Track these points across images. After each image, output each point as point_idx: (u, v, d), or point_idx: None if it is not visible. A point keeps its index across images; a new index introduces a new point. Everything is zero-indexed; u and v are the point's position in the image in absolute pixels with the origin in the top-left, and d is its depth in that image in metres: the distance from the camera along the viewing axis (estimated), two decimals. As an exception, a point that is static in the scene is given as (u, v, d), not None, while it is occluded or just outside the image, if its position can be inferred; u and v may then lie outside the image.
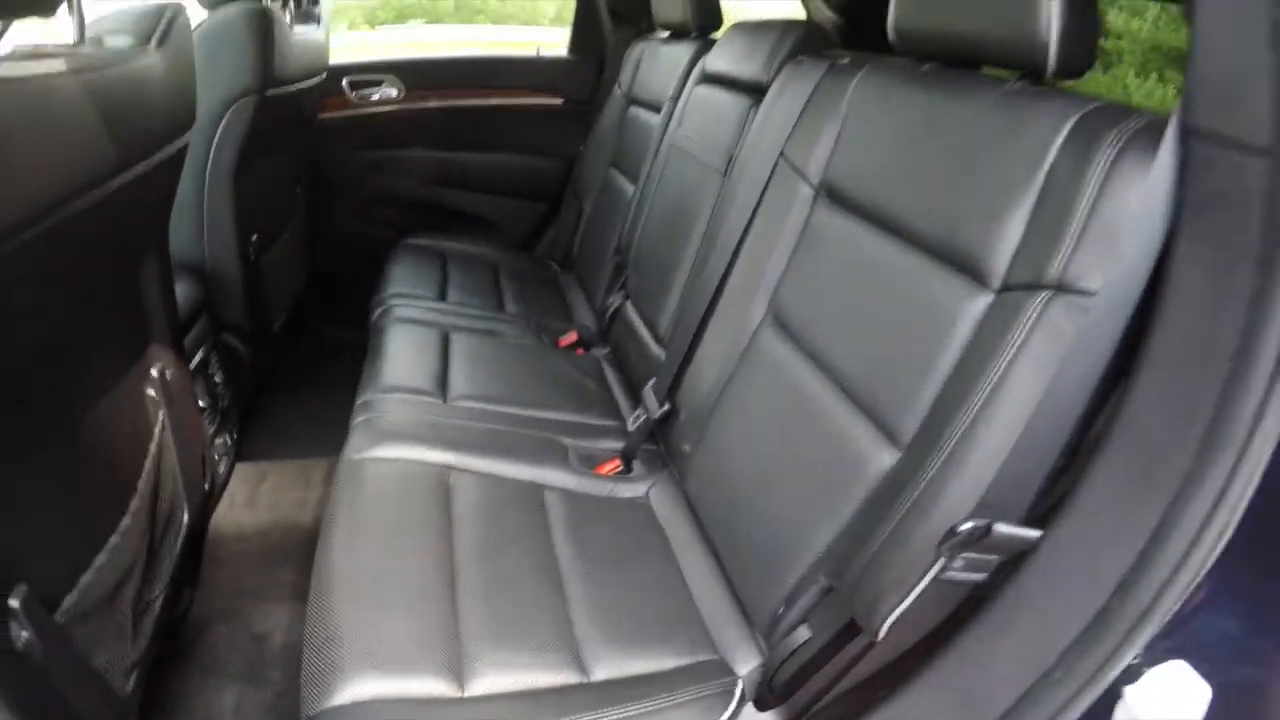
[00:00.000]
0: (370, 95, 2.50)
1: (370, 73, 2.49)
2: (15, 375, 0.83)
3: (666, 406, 1.41)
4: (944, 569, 0.76)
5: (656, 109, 1.99)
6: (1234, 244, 0.61)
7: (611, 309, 1.87)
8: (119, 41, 1.00)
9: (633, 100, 2.20)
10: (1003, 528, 0.74)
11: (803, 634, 0.92)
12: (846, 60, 1.29)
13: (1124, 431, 0.69)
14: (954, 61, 1.04)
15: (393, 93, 2.51)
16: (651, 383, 1.48)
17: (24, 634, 0.78)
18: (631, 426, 1.47)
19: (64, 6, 0.90)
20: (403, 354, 1.63)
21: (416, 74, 2.53)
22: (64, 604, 0.88)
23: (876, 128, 1.11)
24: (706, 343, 1.35)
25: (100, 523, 1.00)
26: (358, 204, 2.57)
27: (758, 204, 1.29)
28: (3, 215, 0.70)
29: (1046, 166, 0.81)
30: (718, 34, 1.95)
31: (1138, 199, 0.71)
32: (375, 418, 1.40)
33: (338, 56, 2.37)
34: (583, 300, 2.16)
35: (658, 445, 1.47)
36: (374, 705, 0.85)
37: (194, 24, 1.53)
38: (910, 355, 0.91)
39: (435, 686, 0.89)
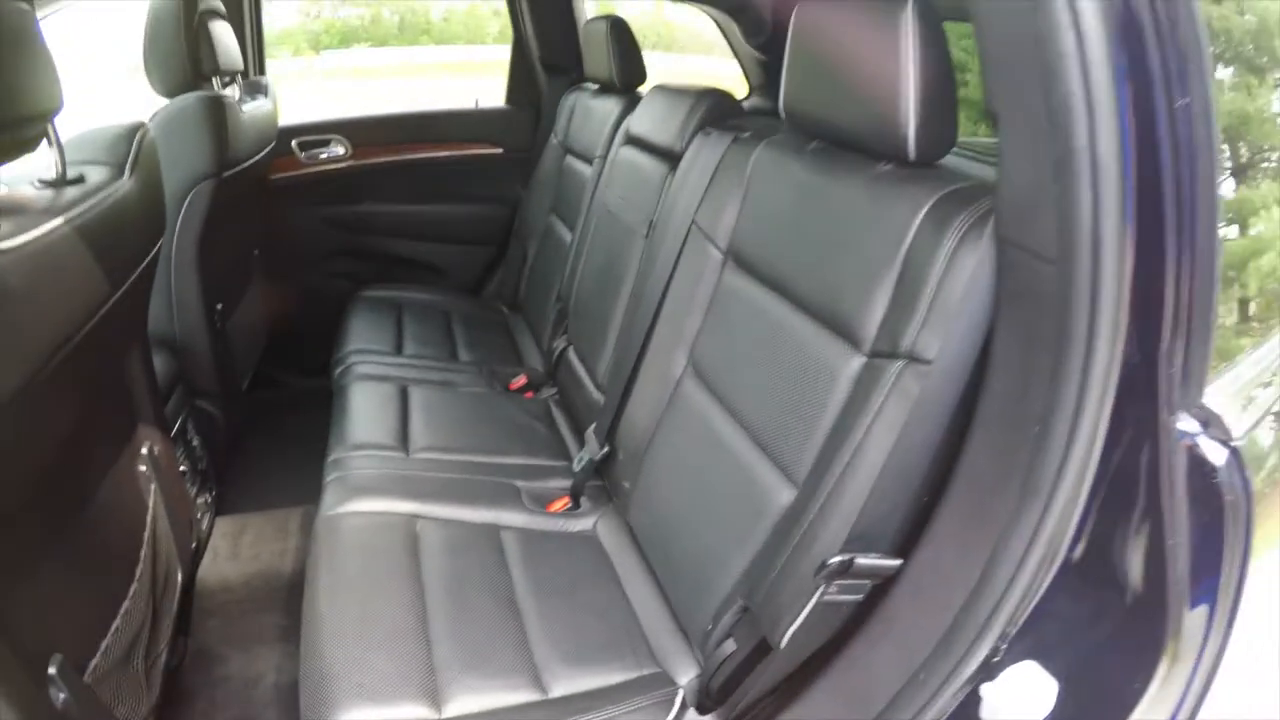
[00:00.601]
0: (319, 155, 2.62)
1: (318, 133, 2.62)
2: (38, 479, 0.96)
3: (606, 448, 1.57)
4: (823, 594, 0.93)
5: (589, 161, 2.16)
6: (1037, 331, 0.76)
7: (556, 352, 2.02)
8: (96, 173, 1.11)
9: (568, 149, 2.36)
10: (864, 560, 0.91)
11: (729, 647, 1.07)
12: (748, 134, 1.45)
13: (962, 479, 0.86)
14: (835, 141, 1.17)
15: (340, 151, 2.64)
16: (593, 426, 1.63)
17: (61, 695, 0.91)
18: (577, 467, 1.62)
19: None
20: (365, 412, 1.77)
21: (362, 131, 2.67)
22: (90, 666, 1.01)
23: (772, 199, 1.26)
24: (638, 390, 1.51)
25: (113, 591, 1.13)
26: (314, 258, 2.69)
27: (675, 266, 1.45)
28: (29, 363, 0.84)
29: (906, 245, 0.95)
30: (643, 87, 2.13)
31: (972, 281, 0.86)
32: (345, 475, 1.53)
33: (285, 90, 2.47)
34: (531, 342, 2.31)
35: (602, 482, 1.61)
36: None
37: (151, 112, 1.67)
38: (802, 406, 1.07)
39: (417, 711, 1.03)
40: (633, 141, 1.91)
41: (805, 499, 1.00)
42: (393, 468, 1.58)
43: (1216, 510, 0.73)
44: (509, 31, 2.83)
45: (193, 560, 1.59)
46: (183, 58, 1.75)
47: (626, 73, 2.12)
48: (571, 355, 1.94)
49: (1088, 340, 0.70)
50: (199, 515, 1.71)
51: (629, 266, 1.69)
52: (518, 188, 2.72)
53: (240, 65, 2.03)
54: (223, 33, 1.92)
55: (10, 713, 0.82)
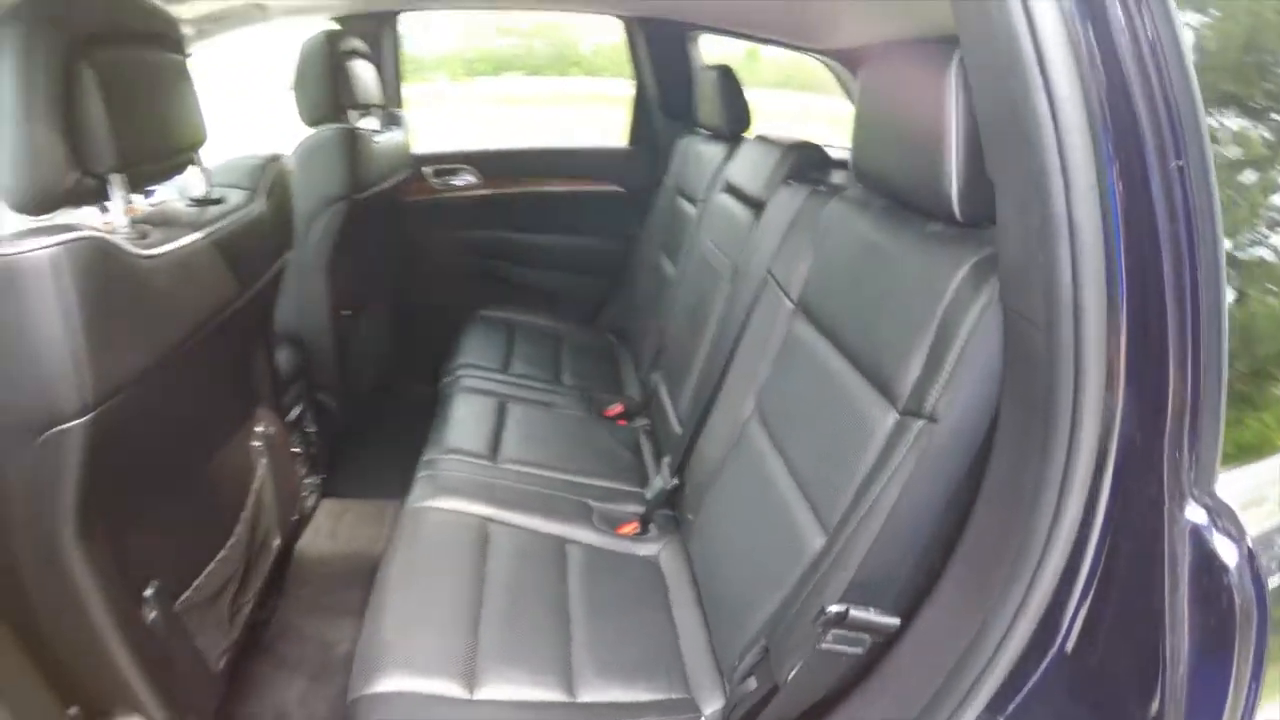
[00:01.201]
0: (450, 181, 2.86)
1: (450, 163, 2.86)
2: (167, 437, 1.17)
3: (676, 480, 1.65)
4: (818, 642, 0.95)
5: (694, 203, 2.26)
6: (1031, 399, 0.76)
7: (652, 384, 2.12)
8: (235, 196, 1.33)
9: (679, 191, 2.47)
10: (859, 613, 0.93)
11: (750, 685, 1.11)
12: (824, 188, 1.51)
13: (966, 546, 0.88)
14: (896, 199, 1.18)
15: (470, 179, 2.86)
16: (669, 457, 1.72)
17: (152, 615, 1.11)
18: (649, 495, 1.70)
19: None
20: (463, 420, 1.92)
21: (491, 163, 2.89)
22: (181, 598, 1.21)
23: (839, 254, 1.30)
24: (710, 427, 1.58)
25: (213, 540, 1.33)
26: (439, 277, 2.91)
27: (750, 313, 1.53)
28: (166, 346, 1.04)
29: (944, 306, 0.95)
30: (748, 132, 2.22)
31: (993, 346, 0.87)
32: (435, 474, 1.67)
33: (434, 116, 2.69)
34: (632, 372, 2.43)
35: (673, 511, 1.68)
36: (401, 696, 1.12)
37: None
38: (841, 457, 1.09)
39: (451, 689, 1.14)
40: (728, 188, 2.01)
41: (828, 546, 1.04)
42: (478, 473, 1.71)
43: (1225, 615, 0.70)
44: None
45: (294, 531, 1.80)
46: (325, 93, 2.00)
47: (732, 120, 2.22)
48: (662, 388, 2.03)
49: (1073, 412, 0.70)
50: (305, 493, 1.94)
51: (714, 309, 1.77)
52: (634, 224, 2.85)
53: (377, 99, 2.26)
54: (362, 71, 2.16)
55: (108, 621, 1.03)
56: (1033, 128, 0.67)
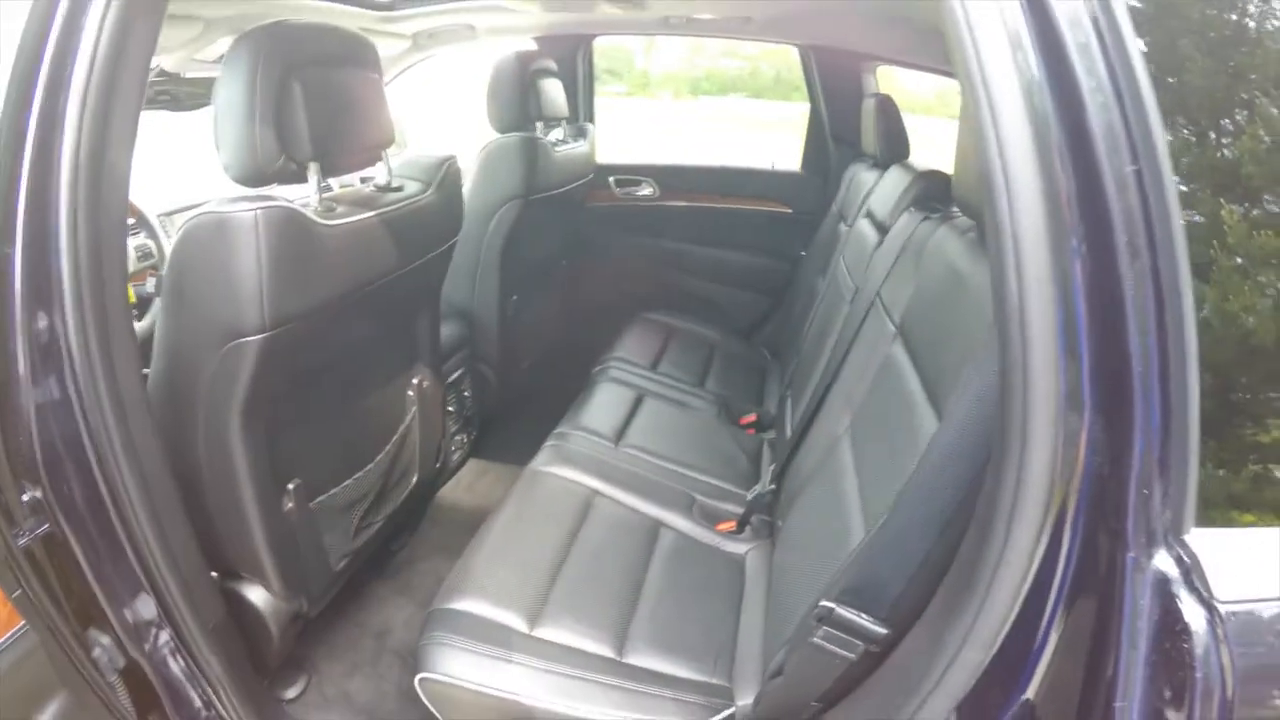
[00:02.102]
0: (631, 192, 3.08)
1: (632, 174, 3.08)
2: (335, 362, 1.43)
3: (773, 486, 1.72)
4: (809, 636, 0.98)
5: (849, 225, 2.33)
6: (1004, 416, 0.71)
7: (785, 399, 2.20)
8: (412, 186, 1.58)
9: (841, 217, 2.54)
10: (844, 612, 0.95)
11: (779, 681, 1.13)
12: (937, 215, 1.53)
13: (954, 567, 0.84)
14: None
15: (649, 191, 3.07)
16: (773, 466, 1.80)
17: (290, 505, 1.39)
18: (750, 497, 1.78)
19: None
20: (600, 404, 2.09)
21: (669, 177, 3.09)
22: (318, 499, 1.48)
23: (932, 280, 1.33)
24: (810, 440, 1.65)
25: (355, 461, 1.59)
26: (612, 278, 3.13)
27: (857, 333, 1.59)
28: (332, 294, 1.30)
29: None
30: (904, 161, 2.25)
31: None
32: (561, 445, 1.85)
33: (646, 128, 2.88)
34: (776, 388, 2.51)
35: (770, 517, 1.74)
36: (470, 615, 1.28)
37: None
38: (897, 475, 1.07)
39: (514, 621, 1.29)
40: (868, 214, 2.07)
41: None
42: (600, 451, 1.87)
43: (1180, 688, 0.63)
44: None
45: (437, 476, 2.05)
46: (513, 104, 2.26)
47: (888, 147, 2.26)
48: (788, 401, 2.10)
49: (1023, 431, 0.67)
50: (453, 448, 2.20)
51: (835, 328, 1.84)
52: (799, 247, 2.94)
53: (563, 113, 2.49)
54: (549, 88, 2.40)
55: (253, 501, 1.30)
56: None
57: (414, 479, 1.85)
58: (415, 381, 1.78)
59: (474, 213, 2.19)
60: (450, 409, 2.14)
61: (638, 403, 2.15)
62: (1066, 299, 0.65)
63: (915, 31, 2.18)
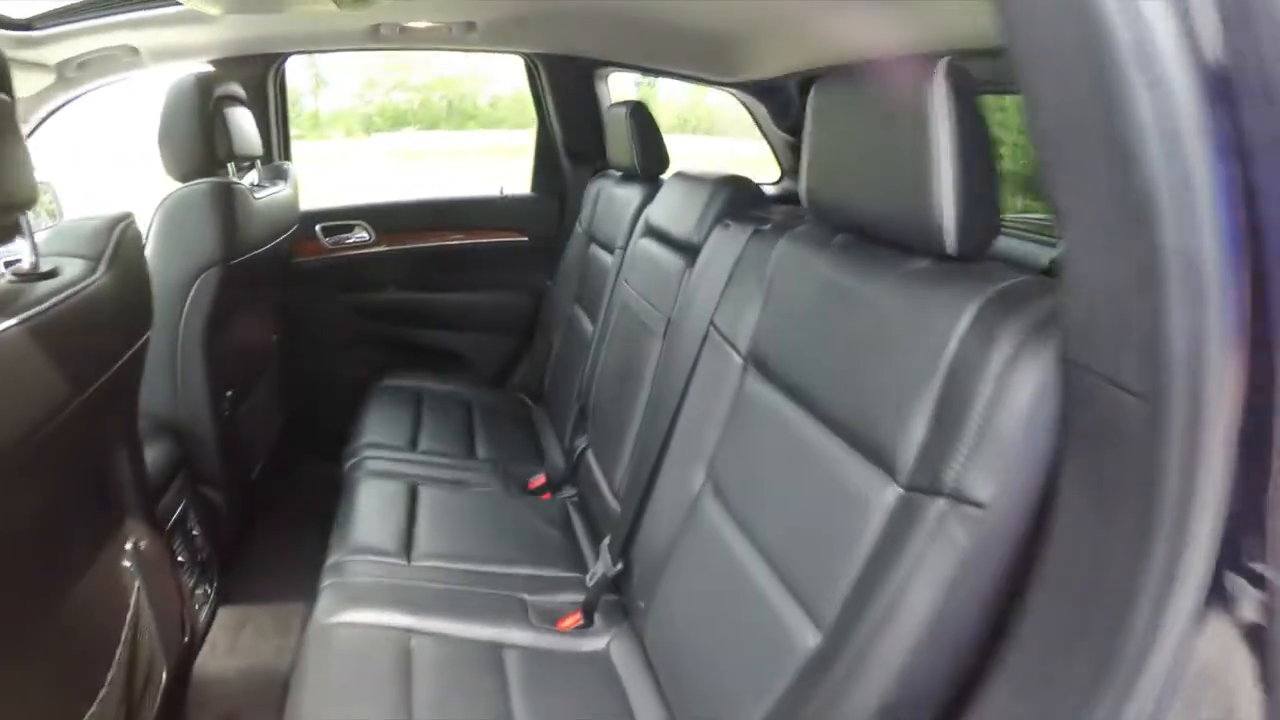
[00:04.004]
0: (343, 240, 2.62)
1: (341, 218, 2.62)
2: (7, 572, 0.93)
3: (620, 565, 1.45)
4: None
5: (611, 250, 2.10)
6: (1116, 480, 0.60)
7: (576, 451, 1.93)
8: (72, 267, 1.07)
9: (592, 238, 2.31)
10: None
11: None
12: (769, 226, 1.34)
13: (1020, 647, 0.70)
14: (864, 234, 1.05)
15: (364, 236, 2.63)
16: (608, 539, 1.52)
17: None
18: (590, 582, 1.50)
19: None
20: (370, 512, 1.68)
21: (385, 218, 2.66)
22: None
23: (795, 300, 1.14)
24: (655, 504, 1.39)
25: (83, 690, 1.10)
26: (335, 344, 2.66)
27: (692, 371, 1.35)
28: None
29: (948, 359, 0.81)
30: (669, 173, 2.08)
31: (1034, 409, 0.71)
32: (343, 581, 1.45)
33: (328, 175, 2.49)
34: (553, 438, 2.22)
35: (618, 596, 1.49)
36: None
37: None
38: (829, 538, 0.93)
39: None
40: (651, 232, 1.84)
41: (834, 647, 0.86)
42: (392, 575, 1.49)
43: None
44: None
45: (187, 653, 1.56)
46: (196, 143, 1.75)
47: (648, 159, 2.07)
48: (590, 457, 1.84)
49: (1181, 497, 0.55)
50: (196, 607, 1.69)
51: (646, 368, 1.60)
52: (543, 277, 2.68)
53: (258, 150, 2.02)
54: (240, 119, 1.92)
55: None
56: (1131, 134, 0.51)
57: (164, 672, 1.35)
58: (129, 546, 1.28)
59: (160, 291, 1.68)
60: (181, 559, 1.61)
61: (412, 497, 1.76)
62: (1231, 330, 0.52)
63: (650, 34, 2.01)
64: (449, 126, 7.38)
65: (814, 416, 1.03)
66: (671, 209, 1.74)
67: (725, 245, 1.38)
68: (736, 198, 1.56)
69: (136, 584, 1.29)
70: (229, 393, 1.89)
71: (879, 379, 0.91)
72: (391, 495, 1.74)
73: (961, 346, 0.80)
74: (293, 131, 2.62)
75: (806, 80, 2.35)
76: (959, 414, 0.77)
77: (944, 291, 0.86)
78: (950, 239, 0.84)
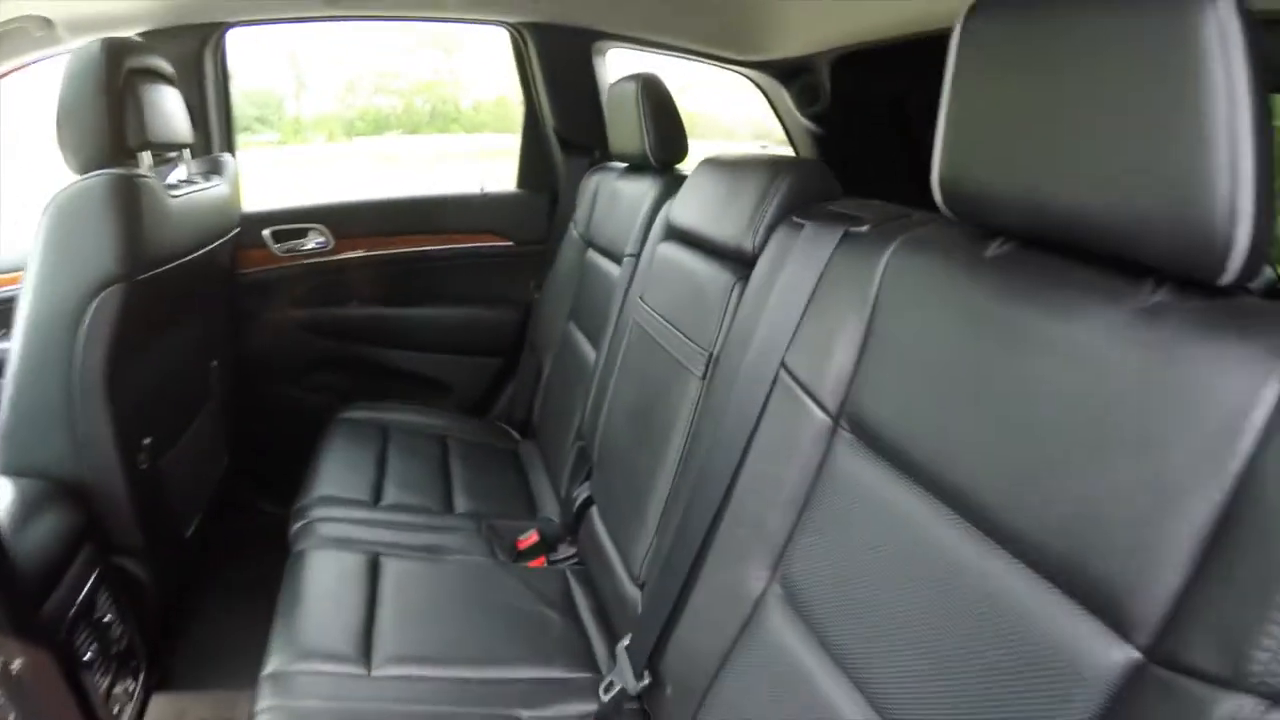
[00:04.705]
0: (298, 247, 2.23)
1: (294, 221, 2.23)
2: None
3: (648, 679, 1.10)
4: None
5: (616, 259, 1.74)
6: None
7: (577, 502, 1.57)
8: None
9: (590, 243, 1.95)
10: None
11: None
12: (865, 228, 0.97)
13: None
14: (1042, 241, 0.70)
15: (321, 241, 2.25)
16: (628, 640, 1.17)
17: None
18: (605, 694, 1.16)
19: None
20: (321, 601, 1.32)
21: (347, 220, 2.28)
22: None
23: (924, 339, 0.78)
24: (696, 601, 1.04)
25: None
26: (289, 370, 2.28)
27: (754, 429, 0.99)
28: None
29: (1240, 456, 0.50)
30: (683, 164, 1.73)
31: None
32: (284, 705, 1.11)
33: (300, 178, 2.16)
34: (546, 482, 1.86)
35: (640, 704, 1.16)
36: None
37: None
38: (992, 702, 0.62)
39: None
40: (677, 236, 1.46)
41: None
42: (348, 693, 1.14)
43: None
44: (536, 117, 2.50)
45: None
46: (99, 125, 1.37)
47: (663, 145, 1.71)
48: (596, 518, 1.48)
49: None
50: (117, 710, 1.36)
51: (678, 415, 1.23)
52: (531, 288, 2.32)
53: (184, 138, 1.65)
54: (162, 99, 1.54)
55: None
56: None
57: None
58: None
59: (45, 314, 1.33)
60: (88, 658, 1.26)
61: (374, 575, 1.39)
62: None
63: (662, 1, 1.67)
64: (432, 130, 7.15)
65: (964, 516, 0.69)
66: (707, 205, 1.35)
67: (798, 254, 1.01)
68: (806, 186, 1.17)
69: (11, 717, 1.02)
70: (147, 440, 1.51)
71: (1094, 477, 0.58)
72: (347, 573, 1.38)
73: (1267, 437, 0.49)
74: (273, 136, 2.25)
75: (840, 59, 2.01)
76: (1266, 553, 0.48)
77: (1225, 343, 0.53)
78: (1235, 258, 0.52)
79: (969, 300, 0.74)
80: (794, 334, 0.96)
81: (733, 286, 1.17)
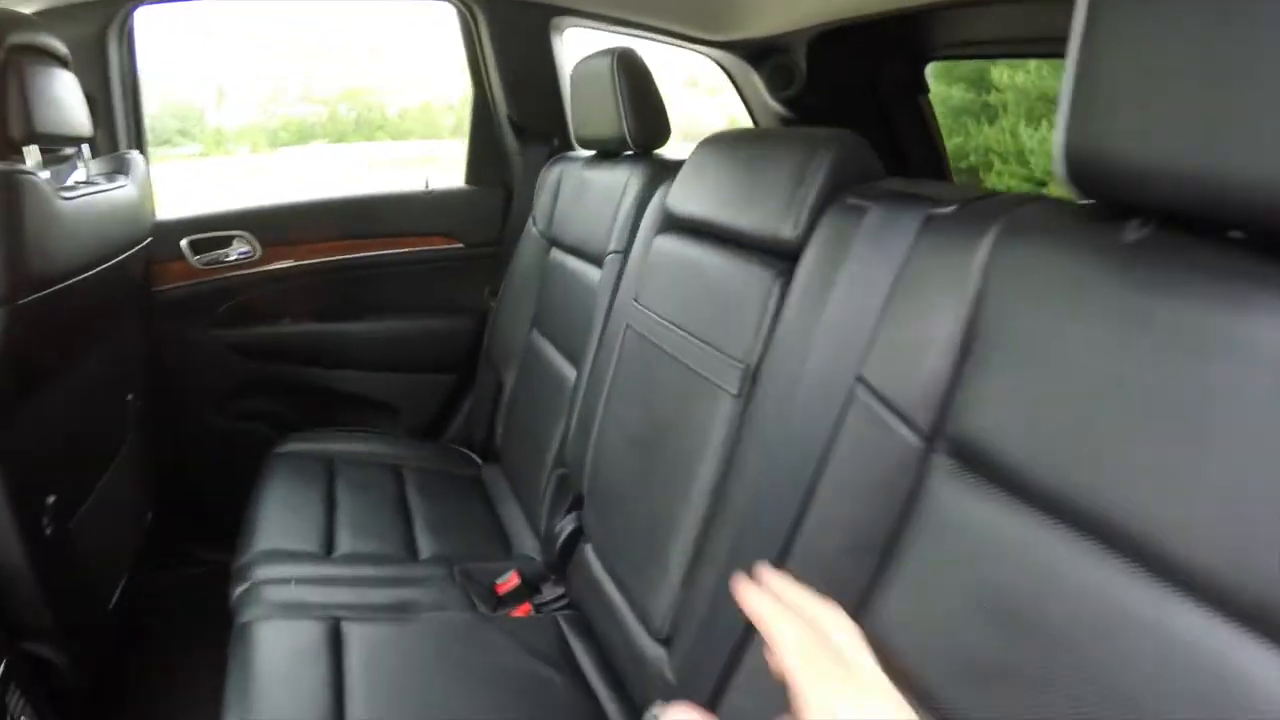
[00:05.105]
0: (219, 257, 1.98)
1: (215, 229, 1.98)
2: None
3: None
4: None
5: (592, 259, 1.54)
6: None
7: (562, 535, 1.38)
8: None
9: (555, 242, 1.76)
10: None
11: None
12: (952, 208, 0.79)
13: None
14: (1200, 223, 0.56)
15: (246, 250, 2.00)
16: (655, 712, 0.98)
17: None
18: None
19: None
20: (277, 683, 1.10)
21: (275, 225, 2.03)
22: None
23: (1048, 341, 0.63)
24: (752, 663, 0.86)
25: None
26: (217, 397, 2.03)
27: (823, 456, 0.81)
28: None
29: None
30: (662, 148, 1.57)
31: None
32: None
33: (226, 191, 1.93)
34: (517, 511, 1.66)
35: None
36: None
37: None
38: None
39: None
40: (681, 227, 1.25)
41: None
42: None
43: None
44: (465, 126, 2.27)
45: None
46: None
47: (645, 126, 1.52)
48: (592, 557, 1.29)
49: None
50: None
51: (705, 442, 1.03)
52: (486, 294, 2.11)
53: (82, 130, 1.40)
54: (55, 85, 1.30)
55: None
56: None
57: None
58: None
59: None
60: None
61: (335, 647, 1.17)
62: None
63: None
64: (358, 138, 7.15)
65: (1118, 552, 0.54)
66: (720, 189, 1.15)
67: (865, 242, 0.83)
68: (851, 161, 0.98)
69: None
70: (50, 499, 1.27)
71: None
72: (304, 648, 1.15)
73: None
74: (194, 149, 2.01)
75: (818, 38, 1.87)
76: None
77: None
78: None
79: (1109, 294, 0.59)
80: (871, 339, 0.79)
81: (771, 284, 0.98)
